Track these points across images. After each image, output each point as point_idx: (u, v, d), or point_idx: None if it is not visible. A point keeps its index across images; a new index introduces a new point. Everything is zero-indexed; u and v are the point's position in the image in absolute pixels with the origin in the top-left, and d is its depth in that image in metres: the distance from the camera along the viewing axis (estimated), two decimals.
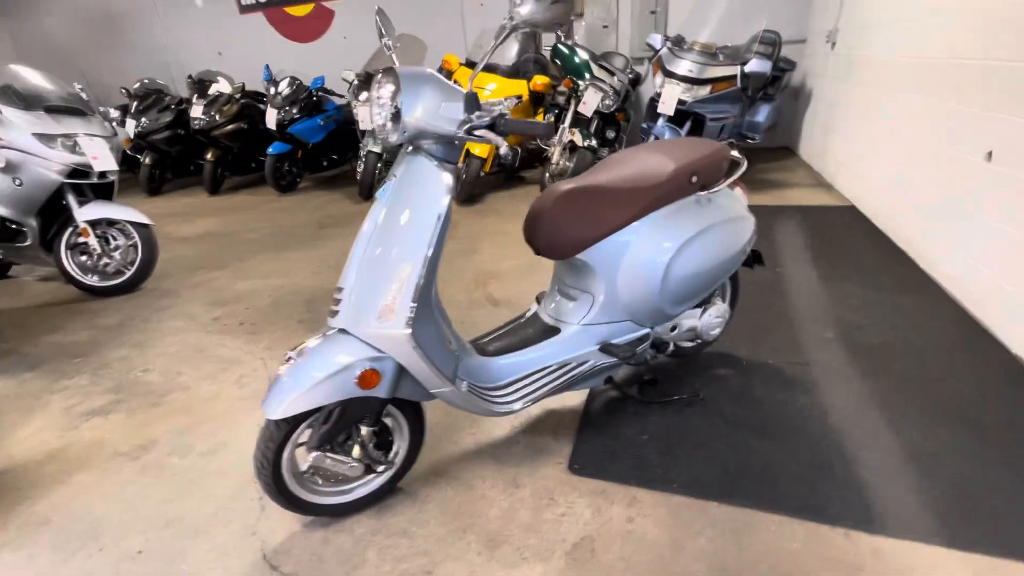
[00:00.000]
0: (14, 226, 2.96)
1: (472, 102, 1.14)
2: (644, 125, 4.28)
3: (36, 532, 1.45)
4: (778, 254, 2.92)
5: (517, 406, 1.39)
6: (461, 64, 4.61)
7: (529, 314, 1.65)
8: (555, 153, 4.31)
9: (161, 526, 1.44)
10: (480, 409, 1.34)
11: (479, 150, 4.31)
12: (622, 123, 4.72)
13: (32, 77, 3.10)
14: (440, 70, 4.82)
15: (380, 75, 1.13)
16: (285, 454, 1.24)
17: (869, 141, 3.42)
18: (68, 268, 3.02)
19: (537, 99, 4.66)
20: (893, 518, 1.30)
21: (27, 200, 2.89)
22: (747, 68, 3.82)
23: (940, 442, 1.52)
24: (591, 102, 4.14)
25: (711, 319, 1.71)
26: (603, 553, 1.27)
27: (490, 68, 4.57)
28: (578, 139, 4.13)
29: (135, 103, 5.77)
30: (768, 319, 2.26)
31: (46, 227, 3.03)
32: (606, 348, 1.51)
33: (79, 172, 2.91)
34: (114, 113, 5.83)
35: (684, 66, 3.88)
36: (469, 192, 4.49)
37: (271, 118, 5.20)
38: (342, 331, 1.19)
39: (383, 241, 1.14)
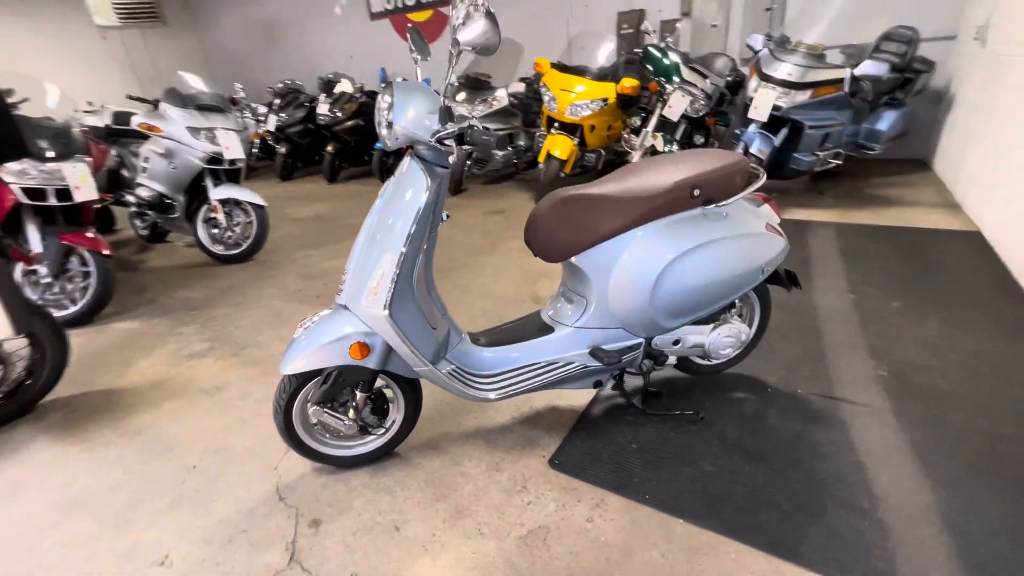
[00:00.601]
0: (168, 200, 3.68)
1: (445, 114, 1.26)
2: (736, 131, 4.05)
3: (131, 439, 1.87)
4: (859, 280, 2.64)
5: (492, 395, 1.49)
6: (552, 66, 4.71)
7: (533, 313, 1.73)
8: (635, 156, 4.24)
9: (213, 450, 1.78)
10: (459, 392, 1.46)
11: (559, 151, 4.39)
12: (712, 128, 4.49)
13: (192, 81, 3.81)
14: (533, 73, 4.97)
15: (383, 87, 1.30)
16: (296, 404, 1.47)
17: (1010, 157, 2.92)
18: (201, 238, 3.68)
19: (627, 102, 4.60)
20: None
21: (178, 180, 3.58)
22: (858, 71, 3.44)
23: (984, 513, 1.33)
24: (677, 106, 4.01)
25: (721, 338, 1.65)
26: (554, 544, 1.33)
27: (580, 71, 4.62)
28: (659, 143, 4.02)
29: (277, 101, 6.72)
30: (817, 347, 2.08)
31: (189, 203, 3.72)
32: (595, 352, 1.54)
33: (215, 159, 3.52)
34: (262, 109, 6.86)
35: (783, 69, 3.60)
36: (544, 193, 4.58)
37: None
38: (343, 307, 1.39)
39: (375, 232, 1.31)
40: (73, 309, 2.87)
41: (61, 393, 2.18)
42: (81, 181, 2.85)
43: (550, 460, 1.61)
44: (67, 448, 1.84)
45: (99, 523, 1.50)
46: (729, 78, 4.61)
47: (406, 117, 1.25)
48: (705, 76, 4.09)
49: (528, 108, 5.73)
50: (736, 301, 1.76)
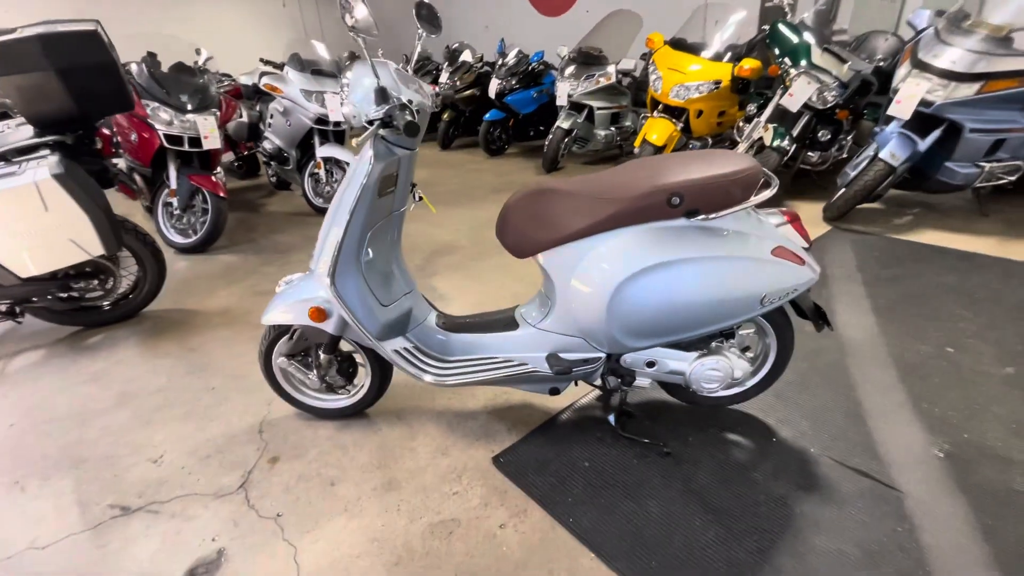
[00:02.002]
0: (284, 153, 4.19)
1: (381, 95, 1.23)
2: (876, 129, 3.37)
3: (185, 354, 2.23)
4: (973, 332, 2.09)
5: (431, 379, 1.48)
6: (666, 43, 4.33)
7: (512, 307, 1.67)
8: (739, 150, 3.77)
9: (234, 377, 2.05)
10: (405, 370, 1.49)
11: (656, 136, 4.07)
12: (843, 123, 3.78)
13: (319, 49, 4.23)
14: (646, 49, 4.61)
15: (347, 63, 1.32)
16: (274, 353, 1.63)
17: None
18: (306, 190, 4.14)
19: (744, 86, 4.07)
20: None
21: (292, 136, 4.04)
22: None
23: None
24: (799, 94, 3.44)
25: (704, 370, 1.44)
26: (457, 540, 1.32)
27: (695, 48, 4.18)
28: (767, 137, 3.51)
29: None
30: (868, 403, 1.72)
31: (300, 158, 4.19)
32: (551, 358, 1.45)
33: (322, 120, 3.90)
34: None
35: (947, 56, 2.89)
36: None
37: (493, 87, 5.81)
38: (312, 272, 1.48)
39: (335, 205, 1.37)
40: (193, 239, 3.44)
41: (159, 306, 2.67)
42: (209, 132, 3.36)
43: (495, 457, 1.58)
44: (142, 352, 2.27)
45: (133, 417, 1.84)
46: (882, 63, 3.83)
47: (355, 96, 1.26)
48: (843, 61, 3.44)
49: (642, 87, 5.36)
50: (736, 331, 1.51)
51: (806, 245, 1.39)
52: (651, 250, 1.27)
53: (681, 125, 4.19)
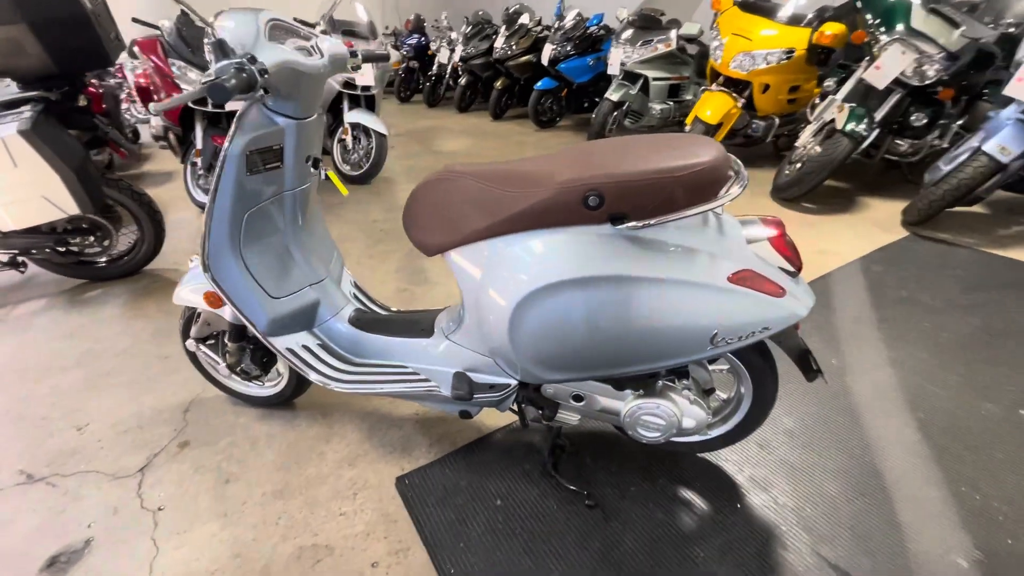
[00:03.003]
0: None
1: (219, 49, 1.01)
2: (989, 113, 2.69)
3: (160, 319, 2.24)
4: None
5: (340, 388, 1.30)
6: (735, 3, 3.73)
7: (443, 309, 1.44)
8: (805, 133, 3.19)
9: None
10: (300, 370, 1.32)
11: (710, 112, 3.56)
12: (948, 104, 3.06)
13: (359, 11, 4.08)
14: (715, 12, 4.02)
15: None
16: (192, 331, 1.53)
17: None
18: (334, 156, 4.09)
19: (824, 57, 3.43)
20: None
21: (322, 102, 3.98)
22: None
23: None
24: (888, 67, 2.80)
25: (641, 413, 1.14)
26: (319, 573, 1.16)
27: (769, 11, 3.57)
28: (840, 119, 2.92)
29: (467, 31, 6.87)
30: (884, 477, 1.34)
31: (331, 124, 4.12)
32: (458, 378, 1.22)
33: (349, 84, 3.78)
34: (455, 36, 7.12)
35: None
36: None
37: (546, 53, 5.42)
38: None
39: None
40: None
41: (163, 264, 2.72)
42: None
43: (400, 477, 1.39)
44: (123, 311, 2.30)
45: (84, 379, 1.85)
46: (1013, 28, 3.05)
47: (219, 54, 1.05)
48: (955, 25, 2.74)
49: (708, 56, 4.74)
50: (690, 371, 1.19)
51: (792, 269, 1.03)
52: (561, 262, 0.99)
53: (743, 101, 3.64)
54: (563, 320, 1.01)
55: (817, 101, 3.48)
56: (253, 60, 1.01)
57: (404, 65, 8.08)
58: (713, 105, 3.59)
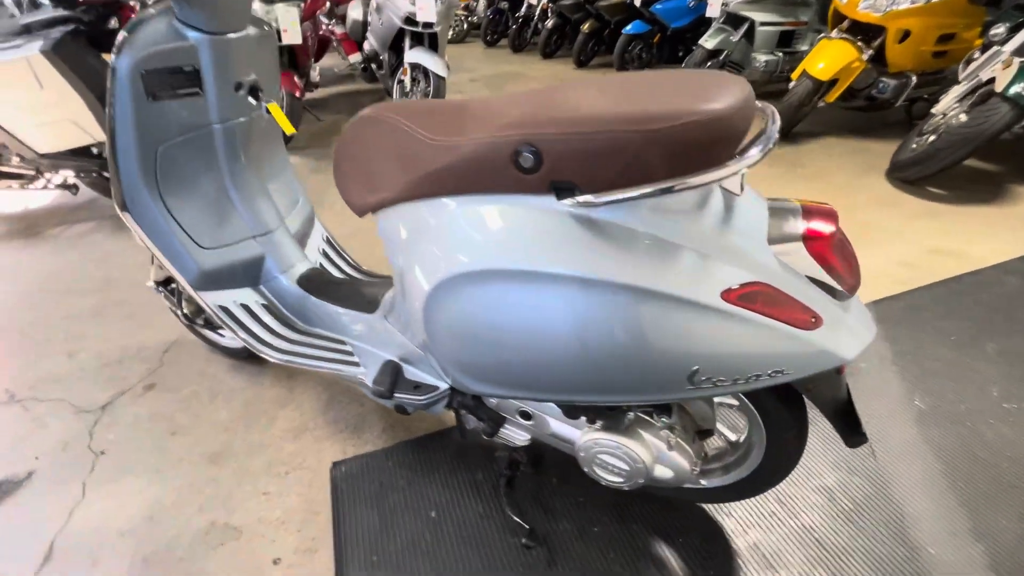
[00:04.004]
0: (380, 57, 3.98)
1: None
2: None
3: None
4: None
5: (270, 356, 1.14)
6: None
7: None
8: (947, 97, 2.48)
9: None
10: (234, 331, 1.17)
11: (824, 65, 2.91)
12: None
13: None
14: None
15: None
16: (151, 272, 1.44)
17: None
18: (394, 97, 3.92)
19: None
20: None
21: (383, 37, 3.79)
22: None
23: None
24: None
25: (596, 451, 0.86)
26: (219, 557, 1.05)
27: None
28: (1002, 79, 2.20)
29: None
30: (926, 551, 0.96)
31: (394, 63, 3.94)
32: (386, 368, 1.00)
33: (410, 20, 3.54)
34: None
35: None
36: (786, 122, 3.18)
37: None
38: None
39: None
40: None
41: None
42: (290, 25, 3.24)
43: (337, 463, 1.24)
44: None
45: (95, 305, 1.88)
46: None
47: None
48: None
49: None
50: (675, 409, 0.88)
51: (840, 287, 0.68)
52: (484, 243, 0.71)
53: (870, 53, 2.92)
54: (484, 322, 0.75)
55: (976, 55, 2.69)
56: None
57: (492, 7, 7.65)
58: (829, 56, 2.91)
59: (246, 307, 1.18)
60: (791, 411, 0.83)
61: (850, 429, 0.79)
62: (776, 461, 0.90)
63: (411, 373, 1.00)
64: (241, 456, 1.27)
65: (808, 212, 0.69)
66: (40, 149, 2.08)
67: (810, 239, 0.66)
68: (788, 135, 3.39)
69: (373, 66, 4.23)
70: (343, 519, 1.10)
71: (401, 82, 3.81)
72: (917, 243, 2.15)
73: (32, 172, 2.35)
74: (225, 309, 1.16)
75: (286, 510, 1.14)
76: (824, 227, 0.67)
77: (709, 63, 3.94)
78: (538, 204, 0.68)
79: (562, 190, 0.66)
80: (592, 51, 5.97)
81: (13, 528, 1.12)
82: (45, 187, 2.42)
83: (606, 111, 0.61)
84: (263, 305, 1.21)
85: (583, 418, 0.88)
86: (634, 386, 0.72)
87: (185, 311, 1.35)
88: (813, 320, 0.66)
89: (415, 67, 3.70)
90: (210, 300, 1.15)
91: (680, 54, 5.15)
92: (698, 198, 0.67)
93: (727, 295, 0.64)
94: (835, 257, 0.66)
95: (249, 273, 1.19)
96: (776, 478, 0.93)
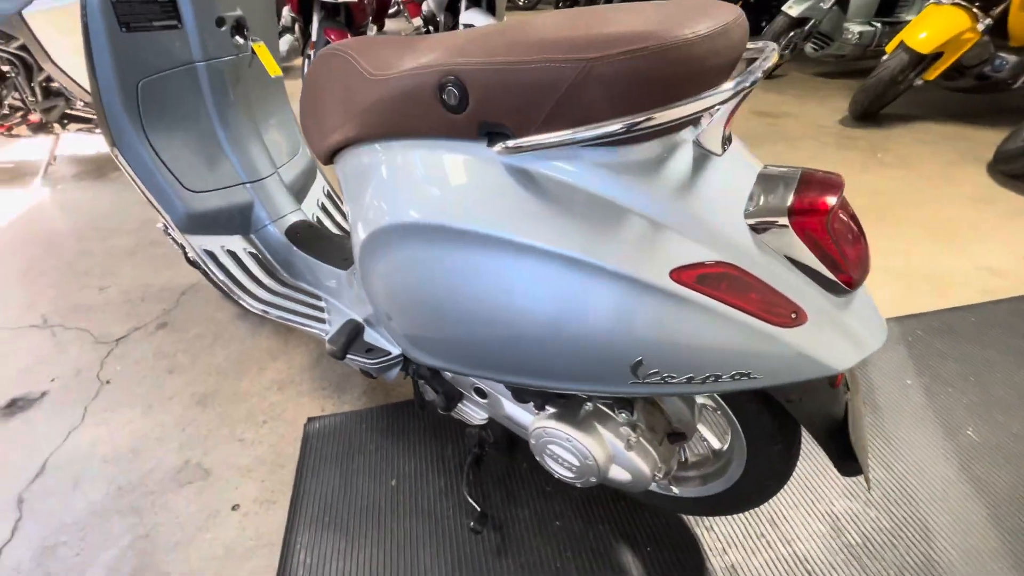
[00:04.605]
0: (436, 18, 3.91)
1: None
2: None
3: None
4: None
5: (249, 306, 1.13)
6: None
7: None
8: None
9: None
10: (214, 277, 1.16)
11: (926, 35, 2.52)
12: None
13: None
14: None
15: None
16: None
17: None
18: None
19: None
20: None
21: (440, 1, 3.70)
22: None
23: None
24: None
25: (545, 440, 0.77)
26: (185, 496, 1.07)
27: None
28: None
29: None
30: None
31: (452, 24, 3.85)
32: (343, 328, 0.95)
33: None
34: None
35: None
36: (871, 99, 2.81)
37: None
38: None
39: None
40: None
41: None
42: None
43: (312, 418, 1.22)
44: None
45: (132, 244, 1.99)
46: None
47: None
48: None
49: None
50: (636, 404, 0.76)
51: (836, 279, 0.54)
52: (407, 193, 0.63)
53: (989, 22, 2.49)
54: (411, 282, 0.67)
55: None
56: None
57: None
58: (935, 24, 2.50)
59: (232, 253, 1.18)
60: (776, 421, 0.70)
61: (842, 453, 0.65)
62: (758, 478, 0.77)
63: (370, 336, 0.95)
64: (227, 401, 1.29)
65: (805, 181, 0.55)
66: None
67: (798, 214, 0.52)
68: (874, 117, 2.99)
69: (430, 28, 4.16)
70: (305, 475, 1.09)
71: None
72: (1013, 248, 1.83)
73: (95, 116, 2.50)
74: (210, 253, 1.15)
75: (255, 458, 1.15)
76: (820, 199, 0.53)
77: (792, 33, 3.55)
78: (466, 150, 0.58)
79: (493, 135, 0.56)
80: None
81: (18, 442, 1.20)
82: None
83: (540, 38, 0.50)
84: (250, 253, 1.20)
85: (532, 403, 0.80)
86: (573, 373, 0.62)
87: (188, 255, 1.38)
88: (793, 316, 0.53)
89: (469, 28, 3.61)
90: (196, 244, 1.15)
91: (763, 24, 4.68)
92: (660, 152, 0.54)
93: (679, 275, 0.52)
94: (828, 239, 0.52)
95: (238, 220, 1.18)
96: (758, 497, 0.80)
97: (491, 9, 3.61)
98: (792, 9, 3.43)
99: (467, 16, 3.49)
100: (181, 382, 1.35)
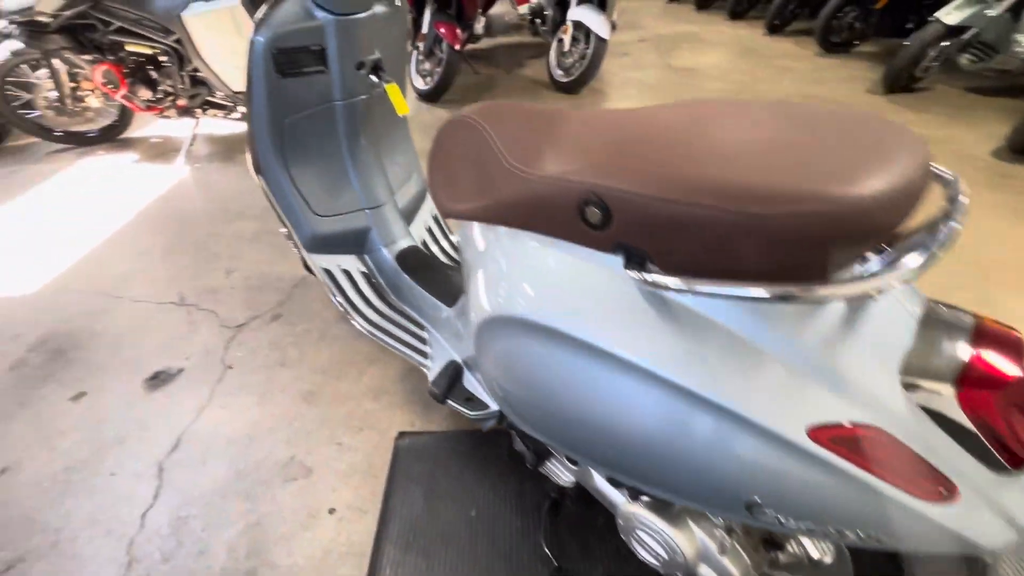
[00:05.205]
0: (544, 11, 3.85)
1: None
2: None
3: None
4: None
5: (357, 324, 1.21)
6: None
7: None
8: None
9: None
10: (331, 292, 1.25)
11: None
12: None
13: None
14: None
15: None
16: None
17: None
18: (550, 57, 3.80)
19: None
20: None
21: None
22: None
23: None
24: None
25: (635, 526, 0.77)
26: (290, 492, 1.19)
27: None
28: None
29: None
30: None
31: (558, 19, 3.78)
32: (446, 370, 1.00)
33: None
34: None
35: None
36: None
37: None
38: None
39: None
40: (428, 86, 3.64)
41: None
42: None
43: (403, 432, 1.30)
44: None
45: (258, 230, 2.19)
46: None
47: None
48: None
49: None
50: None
51: (997, 456, 0.49)
52: (538, 291, 0.64)
53: None
54: (530, 371, 0.69)
55: None
56: None
57: None
58: None
59: (347, 273, 1.27)
60: (892, 560, 0.65)
61: None
62: None
63: (469, 382, 0.99)
64: (327, 404, 1.41)
65: (978, 336, 0.49)
66: (234, 88, 2.42)
67: (967, 385, 0.48)
68: None
69: (538, 20, 4.10)
70: (393, 492, 1.17)
71: (560, 40, 3.66)
72: None
73: (232, 105, 2.75)
74: (328, 272, 1.25)
75: (351, 464, 1.25)
76: (995, 371, 0.47)
77: (945, 43, 3.13)
78: (603, 263, 0.58)
79: (632, 256, 0.55)
80: (791, 14, 5.11)
81: (159, 415, 1.39)
82: (241, 119, 2.82)
83: (698, 174, 0.48)
84: (363, 273, 1.28)
85: (626, 490, 0.80)
86: (680, 490, 0.62)
87: (306, 262, 1.50)
88: (943, 492, 0.49)
89: (577, 26, 3.52)
90: (317, 261, 1.25)
91: (908, 27, 4.15)
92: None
93: (816, 433, 0.50)
94: (999, 419, 0.47)
95: (355, 242, 1.27)
96: None
97: (602, 5, 3.49)
98: (949, 17, 3.02)
99: (576, 12, 3.42)
100: (290, 376, 1.49)
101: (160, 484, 1.22)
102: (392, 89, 1.06)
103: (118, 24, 2.46)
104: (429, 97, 3.63)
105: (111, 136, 3.07)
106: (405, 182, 1.33)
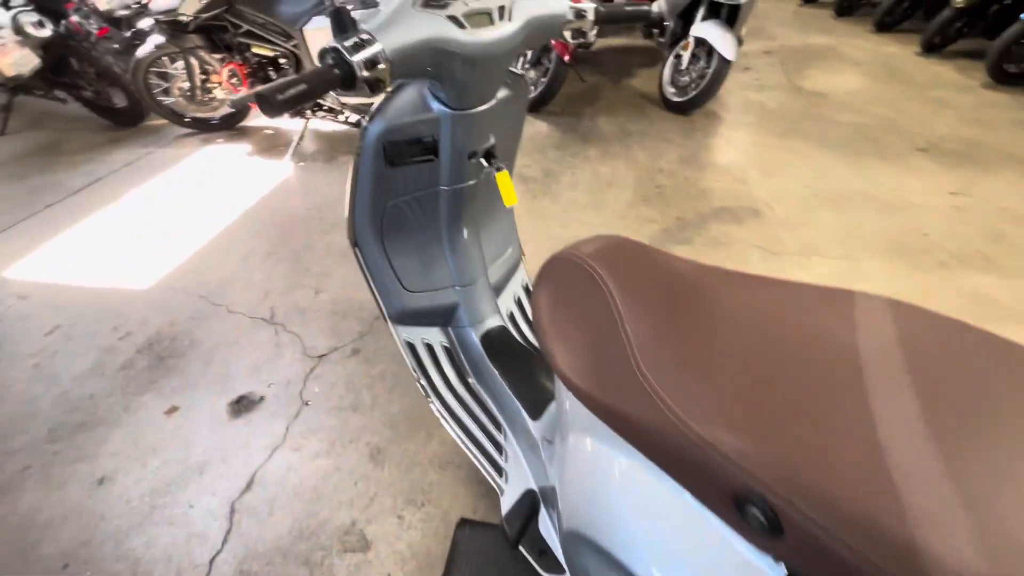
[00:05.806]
0: (665, 23, 3.57)
1: (336, 21, 0.69)
2: None
3: None
4: None
5: (432, 405, 1.15)
6: None
7: None
8: None
9: None
10: (411, 367, 1.19)
11: None
12: None
13: None
14: None
15: None
16: None
17: None
18: (663, 72, 3.53)
19: None
20: None
21: (674, 4, 3.34)
22: None
23: None
24: None
25: None
26: (342, 565, 1.18)
27: None
28: None
29: None
30: None
31: (679, 33, 3.49)
32: (523, 500, 0.90)
33: None
34: None
35: None
36: None
37: None
38: None
39: None
40: (531, 96, 3.52)
41: None
42: None
43: (464, 519, 1.24)
44: None
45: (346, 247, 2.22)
46: None
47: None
48: None
49: None
50: None
51: None
52: (639, 538, 0.53)
53: None
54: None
55: None
56: (368, 40, 0.71)
57: None
58: None
59: (430, 347, 1.21)
60: None
61: None
62: None
63: (544, 524, 0.89)
64: (393, 466, 1.38)
65: None
66: (341, 98, 2.45)
67: None
68: None
69: (655, 30, 3.82)
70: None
71: (679, 57, 3.38)
72: None
73: (339, 108, 2.80)
74: (411, 345, 1.20)
75: (409, 544, 1.21)
76: None
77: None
78: (753, 559, 0.46)
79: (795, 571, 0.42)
80: (957, 33, 4.40)
81: (239, 446, 1.44)
82: (345, 121, 2.88)
83: (895, 527, 0.34)
84: (445, 348, 1.22)
85: None
86: None
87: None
88: None
89: (699, 42, 3.23)
90: (402, 334, 1.20)
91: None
92: None
93: None
94: None
95: (441, 317, 1.20)
96: None
97: (730, 22, 3.17)
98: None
99: (701, 28, 3.14)
100: (360, 425, 1.48)
101: (230, 528, 1.25)
102: (503, 177, 0.97)
103: (246, 27, 2.57)
104: (530, 107, 3.51)
105: (231, 124, 3.26)
106: (500, 255, 1.25)
